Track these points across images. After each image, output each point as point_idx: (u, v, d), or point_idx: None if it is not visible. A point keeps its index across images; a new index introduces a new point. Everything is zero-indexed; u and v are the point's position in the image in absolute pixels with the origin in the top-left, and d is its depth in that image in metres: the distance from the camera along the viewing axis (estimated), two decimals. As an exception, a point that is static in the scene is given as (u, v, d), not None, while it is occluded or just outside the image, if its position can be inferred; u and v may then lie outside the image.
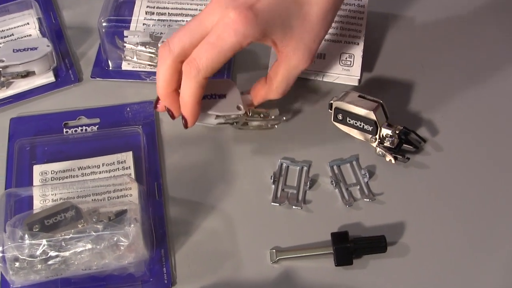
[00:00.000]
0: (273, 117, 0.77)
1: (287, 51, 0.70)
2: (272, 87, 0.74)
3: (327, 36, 0.82)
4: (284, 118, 0.78)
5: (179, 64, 0.68)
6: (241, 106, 0.73)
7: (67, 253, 0.62)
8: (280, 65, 0.72)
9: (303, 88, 0.82)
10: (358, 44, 0.82)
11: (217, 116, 0.72)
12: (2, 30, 0.88)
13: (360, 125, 0.76)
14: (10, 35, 0.87)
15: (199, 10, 0.87)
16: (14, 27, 0.88)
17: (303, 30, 0.69)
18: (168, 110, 0.71)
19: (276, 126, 0.78)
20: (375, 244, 0.69)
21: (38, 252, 0.61)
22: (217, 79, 0.75)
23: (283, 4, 0.67)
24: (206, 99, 0.72)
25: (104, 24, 0.82)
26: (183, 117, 0.70)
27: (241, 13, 0.64)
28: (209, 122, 0.73)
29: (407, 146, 0.76)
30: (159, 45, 0.80)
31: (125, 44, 0.83)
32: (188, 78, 0.67)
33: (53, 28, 0.89)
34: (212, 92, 0.73)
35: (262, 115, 0.76)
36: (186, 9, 0.87)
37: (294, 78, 0.73)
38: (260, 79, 0.76)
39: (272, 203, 0.73)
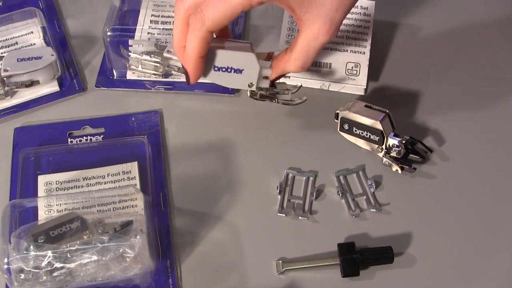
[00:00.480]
0: (280, 102, 0.75)
1: (306, 18, 0.66)
2: (291, 57, 0.69)
3: (333, 45, 0.82)
4: (293, 101, 0.75)
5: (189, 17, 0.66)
6: (254, 84, 0.71)
7: (72, 265, 0.62)
8: (299, 34, 0.67)
9: (309, 97, 0.81)
10: (364, 53, 0.82)
11: None
12: (6, 39, 0.88)
13: (367, 135, 0.75)
14: (14, 44, 0.87)
15: (204, 19, 0.87)
16: (18, 36, 0.88)
17: None
18: (183, 68, 0.70)
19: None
20: (382, 255, 0.69)
21: (43, 264, 0.61)
22: (240, 51, 0.71)
23: None
24: (221, 72, 0.70)
25: (109, 33, 0.82)
26: (185, 72, 0.69)
27: None
28: (215, 82, 0.72)
29: (414, 156, 0.76)
30: (164, 54, 0.80)
31: (130, 53, 0.83)
32: (193, 30, 0.65)
33: (57, 37, 0.89)
34: (229, 65, 0.70)
35: (267, 100, 0.75)
36: (191, 18, 0.87)
37: (315, 50, 0.68)
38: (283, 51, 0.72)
39: (278, 214, 0.73)
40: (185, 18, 0.66)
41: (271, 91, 0.74)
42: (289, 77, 0.81)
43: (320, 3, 0.64)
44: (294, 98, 0.75)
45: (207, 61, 0.69)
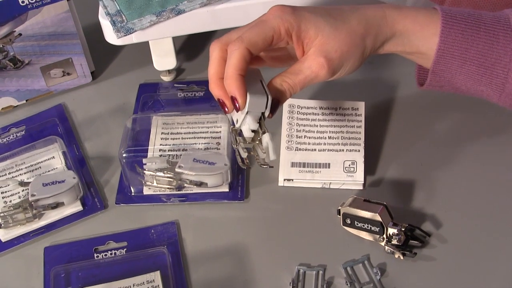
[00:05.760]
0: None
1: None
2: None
3: (330, 147, 0.89)
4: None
5: (225, 51, 0.72)
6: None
7: None
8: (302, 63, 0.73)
9: (313, 196, 0.88)
10: (359, 151, 0.88)
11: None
12: (31, 165, 0.94)
13: (368, 227, 0.81)
14: (38, 168, 0.94)
15: (210, 132, 0.94)
16: (42, 161, 0.94)
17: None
18: (221, 103, 0.73)
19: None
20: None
21: None
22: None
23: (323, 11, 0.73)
24: None
25: (124, 155, 0.89)
26: (232, 99, 0.71)
27: (281, 6, 0.72)
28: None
29: (414, 241, 0.81)
30: (176, 169, 0.87)
31: (144, 171, 0.88)
32: (233, 51, 0.70)
33: (77, 159, 0.95)
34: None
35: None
36: (198, 132, 0.94)
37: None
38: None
39: (293, 309, 0.78)
40: (221, 51, 0.72)
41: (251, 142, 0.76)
42: (292, 179, 0.88)
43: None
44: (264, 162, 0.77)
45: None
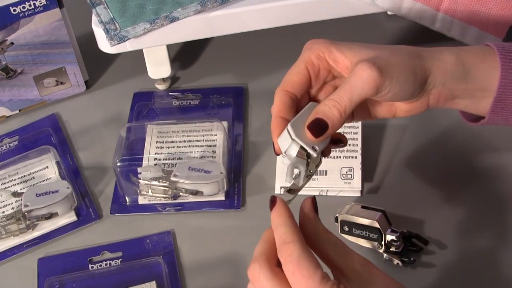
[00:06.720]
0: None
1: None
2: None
3: (326, 153, 0.88)
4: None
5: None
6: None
7: None
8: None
9: (309, 203, 0.87)
10: (356, 157, 0.88)
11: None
12: (24, 175, 0.93)
13: (366, 234, 0.80)
14: (31, 179, 0.93)
15: (206, 140, 0.94)
16: (35, 172, 0.94)
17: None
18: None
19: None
20: None
21: None
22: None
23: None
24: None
25: (118, 164, 0.88)
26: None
27: (313, 39, 0.71)
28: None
29: (412, 248, 0.80)
30: (171, 178, 0.86)
31: (139, 180, 0.88)
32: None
33: (71, 169, 0.94)
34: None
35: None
36: (193, 140, 0.94)
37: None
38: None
39: (291, 318, 0.77)
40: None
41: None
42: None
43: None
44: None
45: None
